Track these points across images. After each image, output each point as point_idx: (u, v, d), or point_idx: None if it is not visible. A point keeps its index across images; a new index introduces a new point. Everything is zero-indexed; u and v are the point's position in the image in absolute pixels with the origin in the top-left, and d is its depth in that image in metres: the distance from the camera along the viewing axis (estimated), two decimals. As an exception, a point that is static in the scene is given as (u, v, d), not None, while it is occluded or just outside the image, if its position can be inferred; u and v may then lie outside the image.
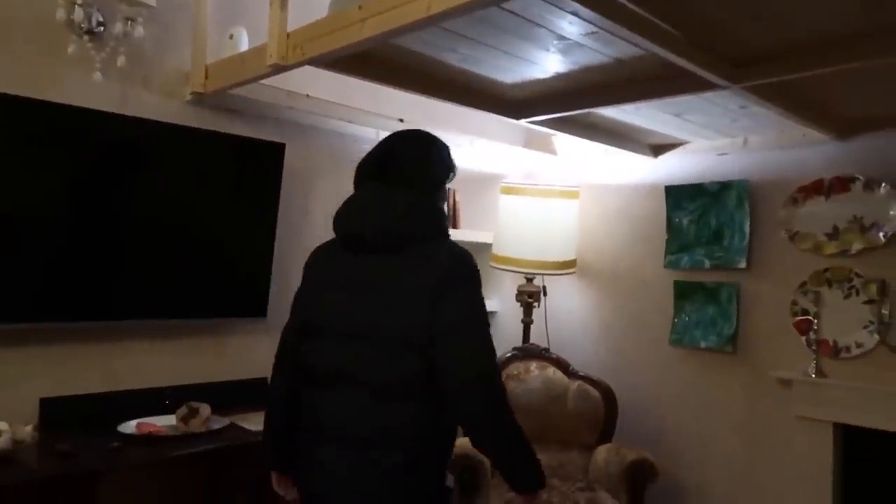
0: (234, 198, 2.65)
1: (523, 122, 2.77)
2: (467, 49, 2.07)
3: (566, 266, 3.56)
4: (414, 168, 1.60)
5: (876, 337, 2.70)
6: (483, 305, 1.55)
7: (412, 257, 1.51)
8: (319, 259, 1.69)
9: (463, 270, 1.52)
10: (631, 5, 1.64)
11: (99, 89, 2.33)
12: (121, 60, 2.33)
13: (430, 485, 1.55)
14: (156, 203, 2.43)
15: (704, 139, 3.19)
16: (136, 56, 2.43)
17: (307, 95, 2.72)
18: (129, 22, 2.31)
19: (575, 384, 3.27)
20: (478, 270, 1.55)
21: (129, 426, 2.24)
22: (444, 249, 1.54)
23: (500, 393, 1.50)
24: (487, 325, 1.53)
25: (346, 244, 1.61)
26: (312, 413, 1.59)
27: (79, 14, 2.22)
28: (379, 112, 2.97)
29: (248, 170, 2.67)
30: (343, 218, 1.62)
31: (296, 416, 1.63)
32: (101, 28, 2.32)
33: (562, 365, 3.37)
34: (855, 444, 2.80)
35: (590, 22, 1.71)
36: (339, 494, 1.52)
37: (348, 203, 1.63)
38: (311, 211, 2.98)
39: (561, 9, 1.63)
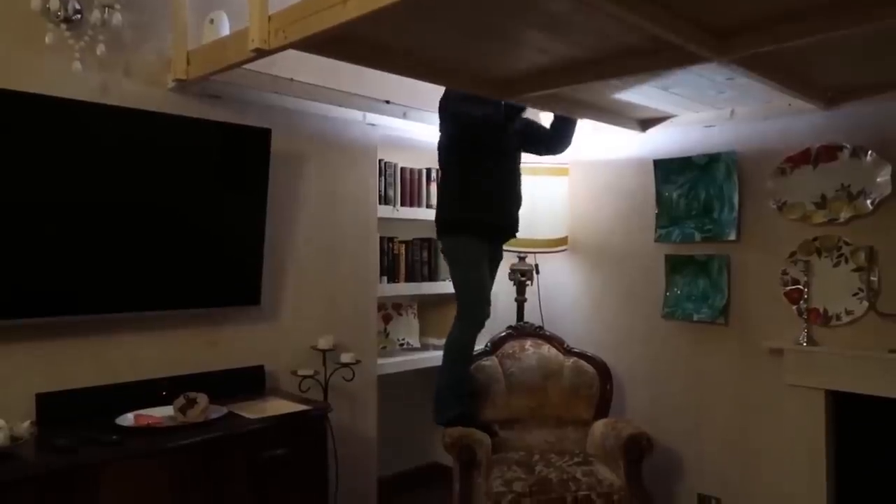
0: (223, 185, 2.63)
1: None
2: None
3: (558, 243, 3.57)
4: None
5: (865, 304, 2.73)
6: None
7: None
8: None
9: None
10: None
11: (79, 79, 2.30)
12: (100, 49, 2.29)
13: None
14: (143, 193, 2.41)
15: (692, 112, 3.18)
16: (116, 44, 2.39)
17: (291, 80, 2.69)
18: (107, 9, 2.26)
19: (570, 361, 3.29)
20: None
21: (128, 418, 2.24)
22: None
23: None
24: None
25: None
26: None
27: (54, 2, 2.18)
28: (364, 94, 2.95)
29: (234, 156, 2.64)
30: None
31: None
32: (79, 16, 2.27)
33: (556, 342, 3.39)
34: (847, 411, 2.84)
35: (575, -3, 1.69)
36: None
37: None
38: (301, 195, 2.96)
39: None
